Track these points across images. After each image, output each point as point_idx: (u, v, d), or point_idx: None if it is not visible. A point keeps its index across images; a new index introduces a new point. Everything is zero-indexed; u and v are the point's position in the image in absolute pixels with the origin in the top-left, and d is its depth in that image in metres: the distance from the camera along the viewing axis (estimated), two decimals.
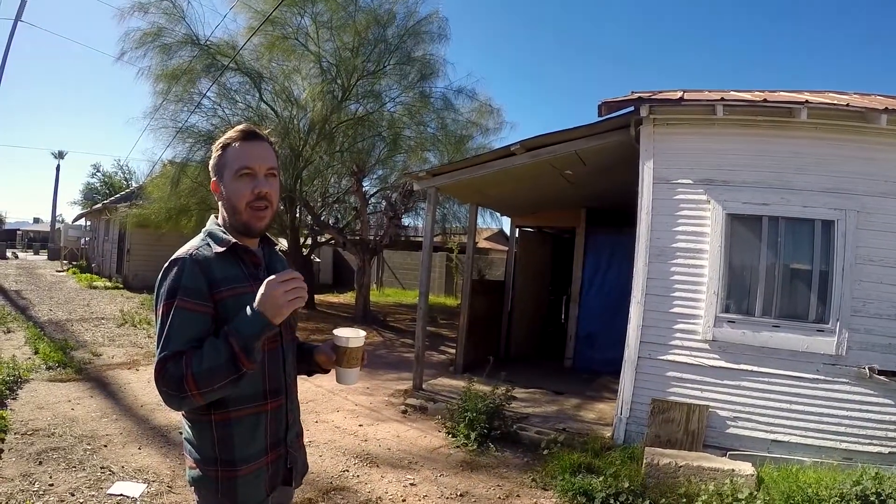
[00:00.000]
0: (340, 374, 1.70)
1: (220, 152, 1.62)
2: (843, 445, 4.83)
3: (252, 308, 1.43)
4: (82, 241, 27.38)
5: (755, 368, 5.08)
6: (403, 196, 13.85)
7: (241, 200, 1.58)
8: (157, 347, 1.44)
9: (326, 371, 1.84)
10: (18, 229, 48.91)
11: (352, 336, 1.66)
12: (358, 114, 12.75)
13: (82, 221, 29.48)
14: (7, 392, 5.77)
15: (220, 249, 1.56)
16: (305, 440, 1.88)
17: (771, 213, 5.14)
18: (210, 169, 1.66)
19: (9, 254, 31.43)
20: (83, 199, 39.38)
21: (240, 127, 1.64)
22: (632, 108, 5.45)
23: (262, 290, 1.44)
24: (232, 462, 1.55)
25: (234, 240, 1.59)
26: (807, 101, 4.93)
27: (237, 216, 1.60)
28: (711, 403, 5.14)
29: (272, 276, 1.45)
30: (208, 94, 12.41)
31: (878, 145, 4.97)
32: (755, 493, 4.10)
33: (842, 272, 4.92)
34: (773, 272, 5.15)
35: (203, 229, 1.64)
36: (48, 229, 39.26)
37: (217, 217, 1.68)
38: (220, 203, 1.65)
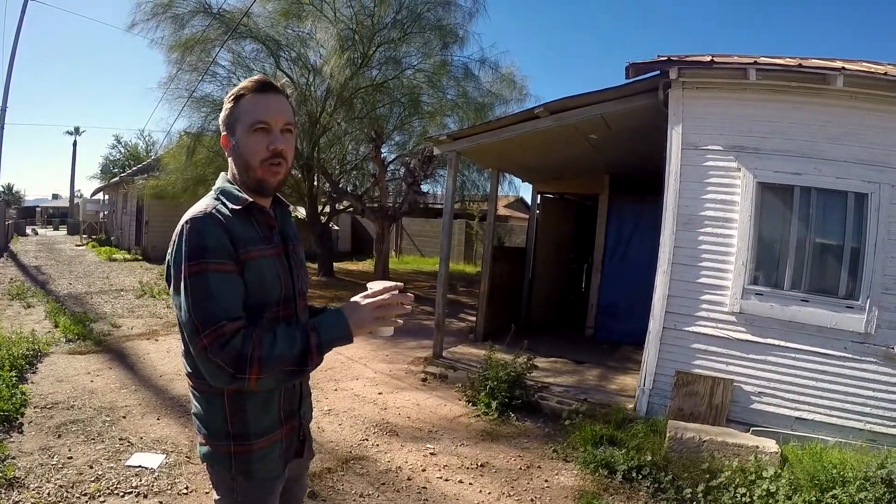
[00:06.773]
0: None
1: (231, 104, 1.50)
2: (868, 427, 4.68)
3: (338, 311, 1.44)
4: (101, 214, 27.71)
5: (782, 343, 4.94)
6: (422, 162, 13.64)
7: (255, 157, 1.47)
8: (196, 316, 1.31)
9: None
10: (38, 206, 49.44)
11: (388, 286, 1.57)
12: (377, 80, 12.53)
13: (100, 195, 29.84)
14: (27, 366, 5.79)
15: (236, 208, 1.45)
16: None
17: (803, 183, 4.94)
18: (220, 123, 1.54)
19: (29, 230, 31.84)
20: (101, 174, 39.71)
21: (254, 77, 1.51)
22: (660, 71, 5.24)
23: (354, 298, 1.47)
24: (246, 436, 1.49)
25: (250, 198, 1.48)
26: (843, 68, 4.67)
27: (250, 173, 1.49)
28: (736, 377, 5.03)
29: (373, 285, 1.49)
30: (223, 62, 12.31)
31: None
32: (779, 471, 4.01)
33: (874, 248, 4.73)
34: (803, 244, 4.97)
35: (213, 187, 1.54)
36: (67, 205, 39.65)
37: (227, 174, 1.58)
38: (230, 159, 1.55)
